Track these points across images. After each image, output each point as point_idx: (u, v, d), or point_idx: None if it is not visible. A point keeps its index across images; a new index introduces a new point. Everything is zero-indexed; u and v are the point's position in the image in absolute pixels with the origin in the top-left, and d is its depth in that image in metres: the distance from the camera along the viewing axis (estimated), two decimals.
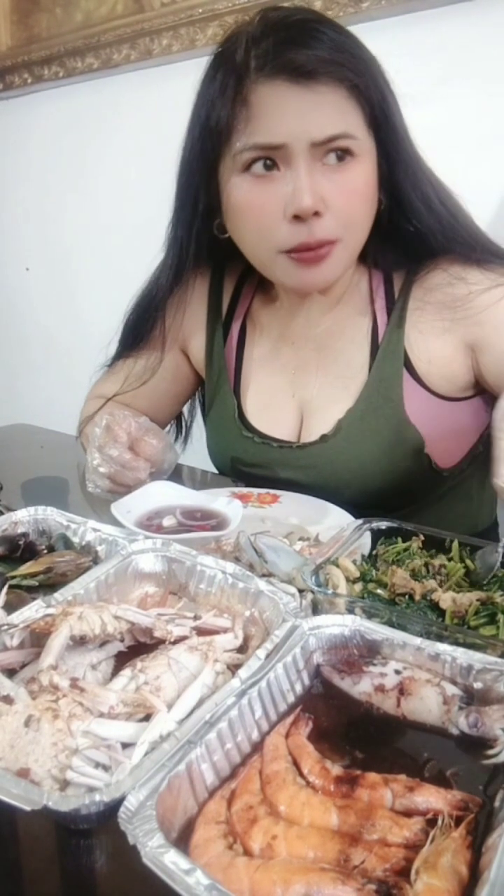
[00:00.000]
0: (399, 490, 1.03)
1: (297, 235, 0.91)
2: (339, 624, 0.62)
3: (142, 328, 1.17)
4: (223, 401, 1.16)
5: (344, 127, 0.88)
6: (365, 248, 1.00)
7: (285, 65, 0.86)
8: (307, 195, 0.87)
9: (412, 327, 1.02)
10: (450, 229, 0.97)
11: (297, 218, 0.89)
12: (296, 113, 0.87)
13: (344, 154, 0.89)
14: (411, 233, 0.98)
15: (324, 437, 1.05)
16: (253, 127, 0.88)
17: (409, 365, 1.02)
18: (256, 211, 0.93)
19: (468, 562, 0.76)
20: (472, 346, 0.99)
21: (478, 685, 0.57)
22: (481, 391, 1.05)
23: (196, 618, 0.67)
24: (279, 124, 0.87)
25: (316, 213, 0.89)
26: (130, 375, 1.19)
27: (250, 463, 1.12)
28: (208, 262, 1.14)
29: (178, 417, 1.32)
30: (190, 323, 1.19)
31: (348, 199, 0.91)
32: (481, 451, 1.11)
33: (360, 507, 0.96)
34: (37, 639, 0.64)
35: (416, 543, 0.79)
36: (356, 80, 0.87)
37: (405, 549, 0.79)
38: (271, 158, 0.89)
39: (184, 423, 1.33)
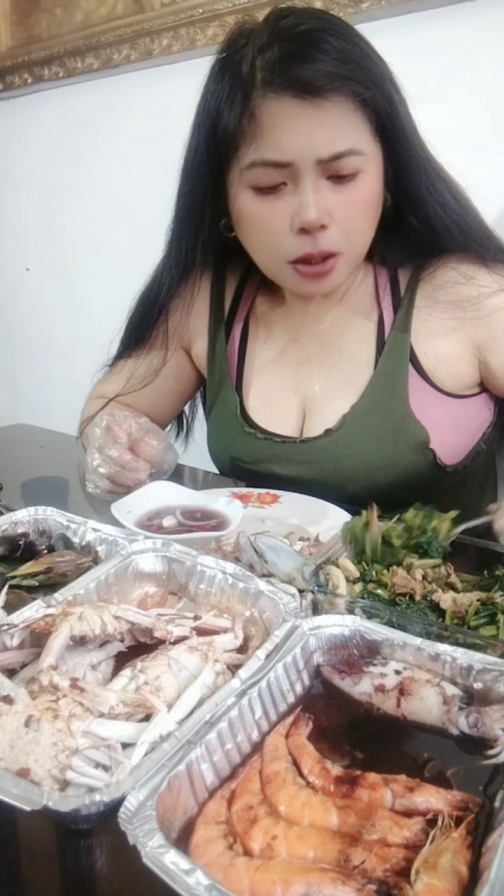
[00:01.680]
0: (402, 486, 1.04)
1: (303, 246, 0.93)
2: (339, 624, 0.62)
3: (145, 328, 1.17)
4: (225, 398, 1.16)
5: (350, 143, 0.88)
6: (370, 245, 1.00)
7: (292, 81, 0.86)
8: (313, 210, 0.89)
9: (419, 324, 1.02)
10: (465, 226, 0.98)
11: (304, 230, 0.91)
12: (303, 131, 0.87)
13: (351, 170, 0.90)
14: (420, 229, 0.98)
15: (328, 432, 1.05)
16: (260, 142, 0.89)
17: (414, 361, 1.02)
18: (264, 223, 0.95)
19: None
20: (479, 347, 1.01)
21: (478, 685, 0.57)
22: (486, 388, 1.05)
23: (196, 618, 0.67)
24: (286, 142, 0.88)
25: (322, 226, 0.91)
26: (133, 377, 1.19)
27: (252, 459, 1.12)
28: (211, 260, 1.15)
29: (180, 416, 1.33)
30: (193, 322, 1.19)
31: (353, 211, 0.93)
32: (483, 449, 1.11)
33: (362, 503, 0.97)
34: (37, 639, 0.64)
35: (370, 514, 0.78)
36: (364, 92, 0.87)
37: (365, 524, 0.79)
38: (279, 172, 0.90)
39: (185, 422, 1.33)
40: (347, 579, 0.72)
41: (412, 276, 1.05)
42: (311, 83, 0.85)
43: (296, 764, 0.52)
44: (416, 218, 0.98)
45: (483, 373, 1.03)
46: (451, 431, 1.05)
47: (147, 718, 0.54)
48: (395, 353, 1.03)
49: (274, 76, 0.86)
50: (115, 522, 0.84)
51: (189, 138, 0.98)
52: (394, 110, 0.91)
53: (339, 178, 0.90)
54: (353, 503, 0.95)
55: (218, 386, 1.17)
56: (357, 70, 0.87)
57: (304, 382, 1.11)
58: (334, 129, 0.87)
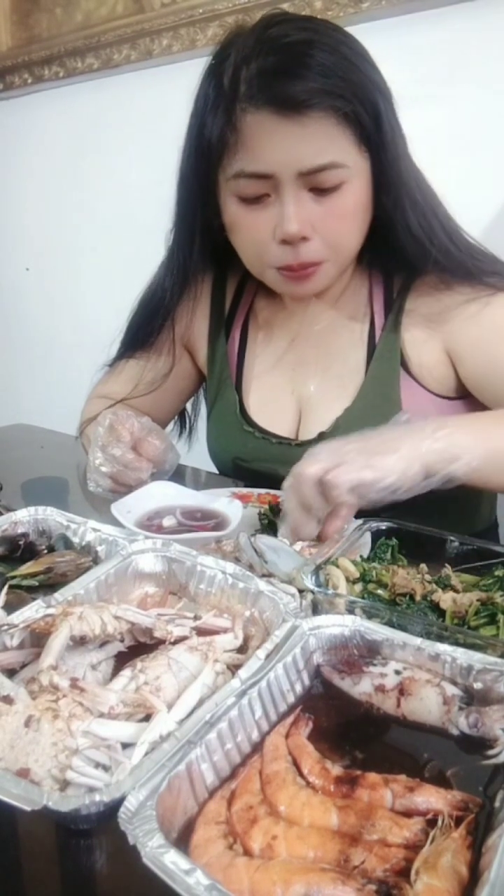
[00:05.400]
0: None
1: (285, 257, 0.94)
2: (339, 624, 0.62)
3: (149, 333, 1.18)
4: (225, 396, 1.16)
5: (332, 157, 0.88)
6: (365, 249, 1.00)
7: (272, 97, 0.85)
8: (293, 223, 0.89)
9: (406, 330, 1.03)
10: (423, 250, 0.96)
11: (286, 241, 0.92)
12: (283, 145, 0.87)
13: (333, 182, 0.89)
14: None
15: (322, 436, 1.06)
16: (241, 154, 0.89)
17: (405, 365, 1.03)
18: (249, 232, 0.95)
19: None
20: (450, 356, 1.01)
21: (478, 685, 0.57)
22: None
23: (196, 618, 0.67)
24: (267, 155, 0.88)
25: (303, 238, 0.91)
26: (142, 382, 1.19)
27: (250, 458, 1.13)
28: (210, 263, 1.15)
29: (183, 415, 1.33)
30: (195, 322, 1.20)
31: (336, 223, 0.92)
32: None
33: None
34: (37, 639, 0.64)
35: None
36: (346, 107, 0.86)
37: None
38: (261, 184, 0.90)
39: (188, 421, 1.33)
40: (347, 579, 0.72)
41: (404, 281, 1.05)
42: (291, 99, 0.84)
43: (296, 764, 0.52)
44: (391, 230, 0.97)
45: (461, 379, 1.03)
46: None
47: (147, 718, 0.54)
48: (385, 357, 1.03)
49: (254, 90, 0.86)
50: (115, 522, 0.84)
51: (183, 142, 0.98)
52: (379, 123, 0.89)
53: (321, 191, 0.90)
54: None
55: (218, 384, 1.18)
56: (340, 84, 0.86)
57: (300, 383, 1.11)
58: (315, 143, 0.87)
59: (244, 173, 0.90)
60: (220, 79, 0.90)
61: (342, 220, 0.93)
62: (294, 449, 1.08)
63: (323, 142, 0.87)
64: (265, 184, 0.90)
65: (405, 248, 0.97)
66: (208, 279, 1.18)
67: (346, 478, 0.73)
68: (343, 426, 1.04)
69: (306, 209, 0.90)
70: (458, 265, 0.97)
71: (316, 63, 0.85)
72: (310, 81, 0.85)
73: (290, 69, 0.85)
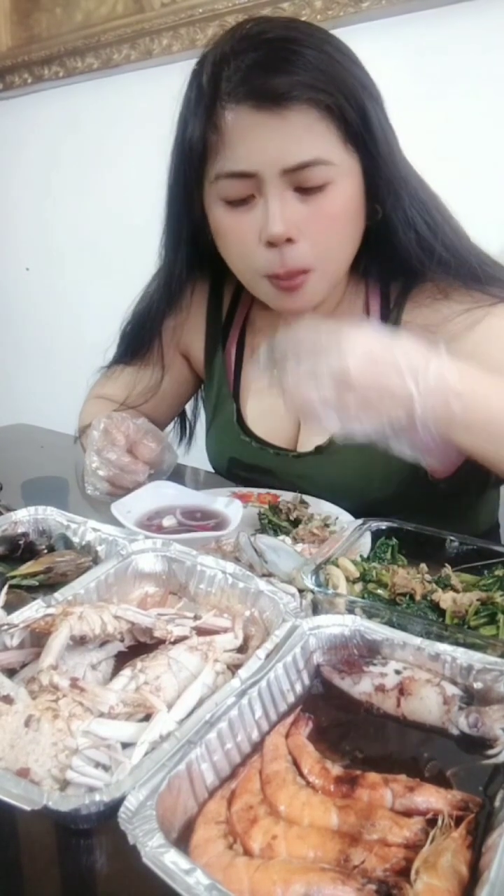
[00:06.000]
0: (396, 500, 1.02)
1: (272, 262, 0.91)
2: (339, 624, 0.62)
3: (138, 343, 1.17)
4: (223, 405, 1.16)
5: (316, 152, 0.85)
6: (361, 258, 0.99)
7: (253, 91, 0.83)
8: (278, 223, 0.87)
9: None
10: (427, 249, 0.94)
11: (271, 244, 0.89)
12: (265, 141, 0.85)
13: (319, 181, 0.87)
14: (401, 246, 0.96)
15: (318, 449, 1.05)
16: (224, 154, 0.87)
17: None
18: (235, 236, 0.93)
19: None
20: None
21: (478, 685, 0.57)
22: None
23: (196, 618, 0.67)
24: (249, 153, 0.86)
25: (289, 240, 0.88)
26: (134, 392, 1.18)
27: (248, 467, 1.12)
28: (205, 271, 1.14)
29: (182, 418, 1.32)
30: (190, 330, 1.19)
31: (324, 225, 0.90)
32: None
33: (357, 514, 0.96)
34: (37, 639, 0.64)
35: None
36: (328, 101, 0.84)
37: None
38: (245, 184, 0.88)
39: (187, 424, 1.33)
40: (347, 579, 0.72)
41: (401, 292, 1.03)
42: (271, 92, 0.83)
43: (296, 764, 0.52)
44: (388, 234, 0.95)
45: None
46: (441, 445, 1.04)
47: (147, 718, 0.54)
48: None
49: (234, 86, 0.85)
50: (115, 522, 0.84)
51: (171, 148, 0.96)
52: (366, 121, 0.87)
53: (306, 190, 0.87)
54: (350, 513, 0.94)
55: (216, 393, 1.18)
56: (321, 77, 0.84)
57: None
58: (298, 137, 0.85)
59: (227, 173, 0.88)
60: (200, 80, 0.89)
61: (330, 222, 0.90)
62: (292, 461, 1.07)
63: (306, 136, 0.85)
64: (249, 184, 0.88)
65: (408, 249, 0.95)
66: (203, 289, 1.17)
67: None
68: (340, 439, 1.03)
69: (291, 209, 0.87)
70: (463, 263, 0.95)
71: (297, 57, 0.84)
72: (290, 74, 0.83)
73: (269, 63, 0.84)
